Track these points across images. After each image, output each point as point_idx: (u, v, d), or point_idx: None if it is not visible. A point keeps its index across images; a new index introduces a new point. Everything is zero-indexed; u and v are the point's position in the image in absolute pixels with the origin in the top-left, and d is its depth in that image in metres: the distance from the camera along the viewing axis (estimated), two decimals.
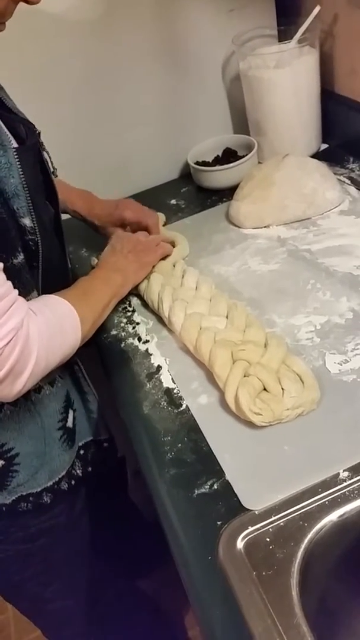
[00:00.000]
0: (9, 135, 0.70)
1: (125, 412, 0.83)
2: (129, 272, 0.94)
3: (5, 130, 0.68)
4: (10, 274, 0.66)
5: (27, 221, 0.71)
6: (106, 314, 0.87)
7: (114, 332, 0.94)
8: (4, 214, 0.67)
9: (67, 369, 0.88)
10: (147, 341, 0.91)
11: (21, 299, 0.66)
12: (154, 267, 1.00)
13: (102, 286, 0.88)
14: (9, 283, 0.65)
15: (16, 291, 0.66)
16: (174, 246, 1.05)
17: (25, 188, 0.70)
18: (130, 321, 0.96)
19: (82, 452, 0.89)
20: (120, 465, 1.13)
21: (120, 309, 0.98)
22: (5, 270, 0.65)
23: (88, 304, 0.80)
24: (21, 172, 0.69)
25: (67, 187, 1.03)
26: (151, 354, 0.88)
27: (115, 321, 0.96)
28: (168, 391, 0.81)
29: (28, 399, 0.79)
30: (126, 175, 1.28)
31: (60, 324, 0.73)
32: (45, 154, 0.81)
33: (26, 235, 0.72)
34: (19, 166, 0.69)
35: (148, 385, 0.83)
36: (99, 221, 1.05)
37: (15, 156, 0.68)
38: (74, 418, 0.87)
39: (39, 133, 0.79)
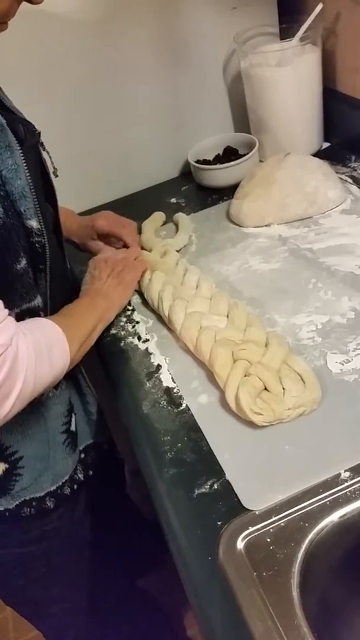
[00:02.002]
0: (13, 136, 0.69)
1: (124, 411, 0.83)
2: (114, 297, 0.92)
3: (10, 131, 0.67)
4: (12, 281, 0.65)
5: (33, 223, 0.70)
6: (93, 338, 0.84)
7: (113, 331, 0.94)
8: (10, 217, 0.66)
9: (69, 371, 0.87)
10: (147, 340, 0.91)
11: (11, 318, 0.64)
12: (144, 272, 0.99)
13: (88, 311, 0.86)
14: (0, 301, 0.63)
15: (6, 311, 0.63)
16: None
17: (32, 189, 0.69)
18: (130, 320, 0.96)
19: (82, 455, 0.89)
20: (118, 467, 1.13)
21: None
22: (8, 276, 0.64)
23: (75, 328, 0.78)
24: (28, 174, 0.68)
25: None
26: (151, 353, 0.88)
27: (115, 320, 0.96)
28: (168, 390, 0.81)
29: (33, 402, 0.78)
30: (127, 173, 1.28)
31: (49, 346, 0.70)
32: (45, 153, 0.81)
33: (32, 238, 0.71)
34: (25, 167, 0.68)
35: (148, 384, 0.83)
36: (77, 237, 1.05)
37: (22, 157, 0.67)
38: (76, 421, 0.87)
39: (39, 133, 0.79)
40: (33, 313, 0.74)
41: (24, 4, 0.67)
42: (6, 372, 0.60)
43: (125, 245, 1.05)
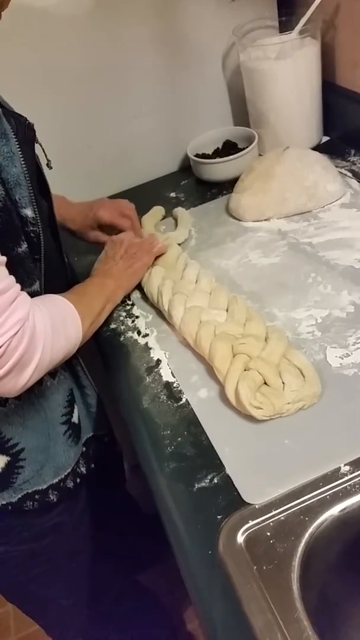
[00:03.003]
0: (8, 124, 0.69)
1: (124, 406, 0.83)
2: (122, 279, 0.94)
3: (5, 120, 0.67)
4: (15, 263, 0.66)
5: (28, 212, 0.70)
6: (102, 318, 0.87)
7: (113, 326, 0.94)
8: (8, 203, 0.66)
9: (67, 363, 0.87)
10: (146, 335, 0.90)
11: (25, 293, 0.66)
12: (156, 259, 0.99)
13: (97, 291, 0.88)
14: (12, 277, 0.64)
15: (19, 286, 0.65)
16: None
17: (27, 178, 0.69)
18: (130, 314, 0.95)
19: (84, 448, 0.89)
20: (118, 460, 1.13)
21: (119, 302, 0.98)
22: (10, 259, 0.65)
23: (86, 306, 0.81)
24: (23, 162, 0.68)
25: None
26: (151, 348, 0.88)
27: (115, 315, 0.96)
28: (168, 385, 0.81)
29: (31, 392, 0.78)
30: (126, 167, 1.28)
31: (63, 319, 0.73)
32: (38, 146, 0.80)
33: (27, 227, 0.71)
34: (20, 156, 0.68)
35: (147, 379, 0.83)
36: (75, 225, 1.04)
37: (17, 145, 0.68)
38: (78, 414, 0.87)
39: (33, 124, 0.78)
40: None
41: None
42: (25, 346, 0.63)
43: None
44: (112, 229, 1.04)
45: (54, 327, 0.70)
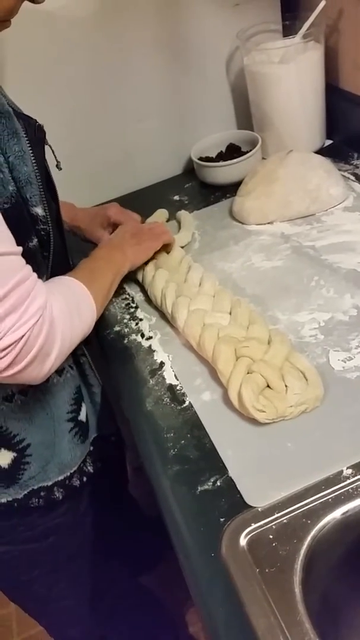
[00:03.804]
0: (19, 124, 0.69)
1: (128, 408, 0.83)
2: (128, 251, 0.94)
3: (16, 119, 0.68)
4: (26, 257, 0.67)
5: (39, 210, 0.71)
6: (111, 293, 0.89)
7: (117, 328, 0.94)
8: (19, 200, 0.67)
9: (75, 360, 0.88)
10: (150, 337, 0.91)
11: (40, 281, 0.67)
12: (155, 255, 1.00)
13: (105, 264, 0.89)
14: (29, 266, 0.65)
15: (35, 274, 0.66)
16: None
17: (38, 177, 0.70)
18: (133, 317, 0.96)
19: (92, 447, 0.90)
20: (121, 461, 1.13)
21: (123, 305, 0.98)
22: (22, 253, 0.65)
23: (96, 284, 0.81)
24: (34, 161, 0.69)
25: None
26: (154, 350, 0.88)
27: (118, 317, 0.96)
28: (171, 388, 0.81)
29: (38, 389, 0.79)
30: (129, 170, 1.28)
31: (77, 302, 0.74)
32: (47, 147, 0.81)
33: (38, 225, 0.72)
34: (31, 155, 0.69)
35: (151, 381, 0.83)
36: (84, 224, 1.06)
37: (28, 145, 0.68)
38: (86, 412, 0.87)
39: (42, 126, 0.79)
40: None
41: (26, 3, 0.67)
42: (46, 333, 0.65)
43: None
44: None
45: (70, 311, 0.71)
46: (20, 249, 0.64)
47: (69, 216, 1.04)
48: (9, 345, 0.61)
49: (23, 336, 0.62)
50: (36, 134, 0.72)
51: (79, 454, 0.86)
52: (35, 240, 0.71)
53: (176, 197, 1.24)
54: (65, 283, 0.76)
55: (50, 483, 0.83)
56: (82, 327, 0.75)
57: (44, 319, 0.64)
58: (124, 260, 0.93)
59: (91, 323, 0.78)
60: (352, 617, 0.68)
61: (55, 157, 0.84)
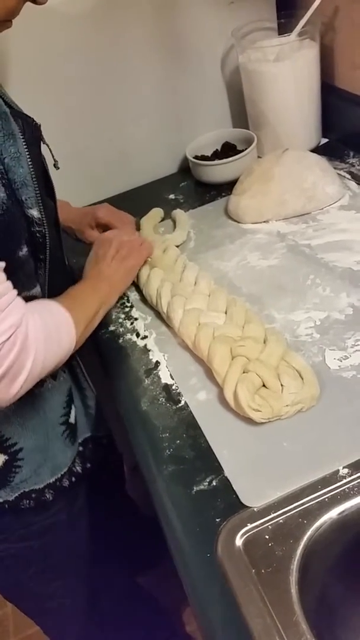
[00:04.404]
0: (16, 125, 0.69)
1: (123, 408, 0.83)
2: (115, 281, 0.92)
3: (13, 120, 0.67)
4: (14, 267, 0.66)
5: (34, 212, 0.70)
6: (96, 322, 0.85)
7: (112, 328, 0.94)
8: (12, 204, 0.66)
9: (67, 365, 0.87)
10: (145, 337, 0.90)
11: (20, 298, 0.65)
12: (146, 262, 0.99)
13: (90, 294, 0.86)
14: (9, 282, 0.63)
15: (15, 291, 0.64)
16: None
17: (34, 178, 0.69)
18: (129, 317, 0.95)
19: (81, 448, 0.89)
20: (117, 462, 1.13)
21: (118, 304, 0.98)
22: (10, 262, 0.64)
23: (79, 311, 0.79)
24: (30, 162, 0.68)
25: None
26: (149, 350, 0.88)
27: (114, 317, 0.96)
28: (166, 387, 0.81)
29: (32, 393, 0.78)
30: (125, 169, 1.28)
31: (56, 326, 0.71)
32: (45, 146, 0.81)
33: (33, 227, 0.71)
34: (27, 156, 0.68)
35: (146, 381, 0.83)
36: (75, 224, 1.06)
37: (25, 146, 0.68)
38: (75, 414, 0.87)
39: (39, 125, 0.79)
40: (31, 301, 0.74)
41: (27, 4, 0.67)
42: (17, 352, 0.62)
43: None
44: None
45: (47, 334, 0.68)
46: (2, 264, 0.62)
47: (62, 215, 1.03)
48: None
49: None
50: (33, 134, 0.72)
51: (69, 455, 0.86)
52: (25, 249, 0.69)
53: (171, 196, 1.24)
54: (48, 306, 0.73)
55: (42, 485, 0.82)
56: (60, 351, 0.71)
57: (17, 337, 0.61)
58: (111, 291, 0.90)
59: (69, 350, 0.73)
60: (348, 617, 0.68)
61: (53, 157, 0.83)
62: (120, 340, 0.91)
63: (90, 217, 1.05)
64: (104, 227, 1.05)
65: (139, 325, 0.93)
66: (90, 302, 0.84)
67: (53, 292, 0.80)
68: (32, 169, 0.69)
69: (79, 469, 0.88)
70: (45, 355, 0.67)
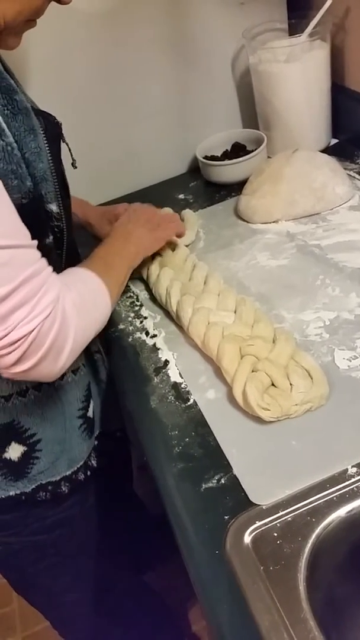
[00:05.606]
0: (37, 120, 0.70)
1: (132, 406, 0.83)
2: (143, 244, 0.93)
3: (34, 115, 0.68)
4: (42, 254, 0.67)
5: (53, 207, 0.71)
6: (124, 286, 0.87)
7: (121, 326, 0.94)
8: (36, 196, 0.67)
9: (88, 356, 0.88)
10: (154, 335, 0.91)
11: (55, 274, 0.66)
12: (160, 252, 1.00)
13: (119, 259, 0.87)
14: (44, 260, 0.64)
15: (50, 267, 0.65)
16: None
17: (54, 173, 0.70)
18: (138, 315, 0.96)
19: (96, 442, 0.90)
20: (127, 457, 1.14)
21: (128, 303, 0.98)
22: (38, 249, 0.65)
23: (111, 275, 0.80)
24: (50, 158, 0.69)
25: None
26: (159, 349, 0.88)
27: (123, 315, 0.96)
28: (175, 386, 0.81)
29: (52, 385, 0.79)
30: (135, 169, 1.28)
31: (92, 295, 0.73)
32: (64, 145, 0.82)
33: (52, 221, 0.72)
34: (48, 151, 0.69)
35: (155, 379, 0.83)
36: (95, 220, 1.07)
37: (45, 141, 0.68)
38: (93, 408, 0.88)
39: (61, 124, 0.79)
40: None
41: (51, 3, 0.68)
42: (58, 327, 0.63)
43: None
44: None
45: (85, 305, 0.69)
46: (35, 242, 0.63)
47: (81, 211, 1.05)
48: (19, 339, 0.60)
49: (33, 330, 0.60)
50: (54, 131, 0.72)
51: (86, 448, 0.87)
52: (50, 238, 0.71)
53: (181, 196, 1.24)
54: (82, 276, 0.75)
55: (58, 478, 0.84)
56: (97, 322, 0.73)
57: (56, 313, 0.63)
58: (137, 253, 0.92)
59: (106, 318, 0.76)
60: (356, 615, 0.68)
61: (72, 156, 0.84)
62: (130, 339, 0.92)
63: (110, 215, 1.06)
64: None
65: (149, 324, 0.93)
66: (119, 266, 0.85)
67: None
68: (52, 164, 0.69)
69: (94, 462, 0.89)
70: (85, 327, 0.69)
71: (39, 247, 0.64)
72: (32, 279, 0.60)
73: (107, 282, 0.77)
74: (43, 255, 0.65)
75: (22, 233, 0.61)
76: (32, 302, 0.60)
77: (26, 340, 0.60)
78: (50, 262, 0.67)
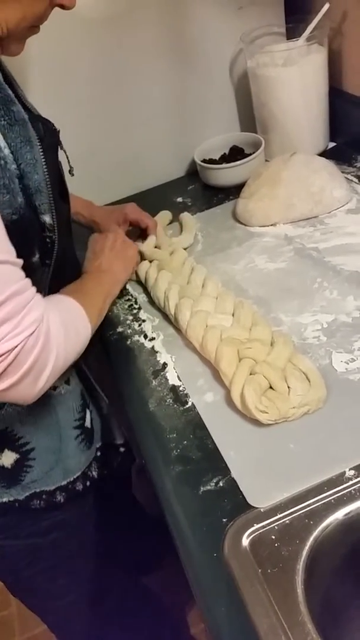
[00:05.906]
0: (34, 131, 0.70)
1: (130, 409, 0.83)
2: (117, 271, 0.94)
3: (31, 127, 0.68)
4: (27, 273, 0.67)
5: (47, 218, 0.71)
6: (103, 314, 0.86)
7: (120, 329, 0.95)
8: (27, 210, 0.67)
9: (78, 371, 0.88)
10: (153, 338, 0.91)
11: (39, 295, 0.66)
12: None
13: (95, 287, 0.87)
14: (28, 279, 0.64)
15: (34, 288, 0.65)
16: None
17: (49, 185, 0.70)
18: (136, 318, 0.96)
19: (99, 453, 0.90)
20: (128, 469, 1.14)
21: (126, 306, 0.99)
22: (22, 267, 0.65)
23: (89, 304, 0.79)
24: (45, 169, 0.69)
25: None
26: (157, 352, 0.88)
27: (121, 318, 0.96)
28: (174, 388, 0.81)
29: (45, 396, 0.79)
30: (133, 172, 1.29)
31: (73, 320, 0.73)
32: (62, 152, 0.82)
33: (44, 232, 0.72)
34: (44, 162, 0.69)
35: (154, 382, 0.83)
36: (101, 220, 1.07)
37: (41, 152, 0.68)
38: (91, 419, 0.88)
39: (58, 131, 0.79)
40: None
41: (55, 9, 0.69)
42: (40, 347, 0.62)
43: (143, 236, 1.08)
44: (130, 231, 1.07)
45: (66, 328, 0.69)
46: (20, 261, 0.63)
47: (87, 211, 1.06)
48: (1, 355, 0.59)
49: (17, 346, 0.60)
50: (52, 139, 0.72)
51: (84, 459, 0.86)
52: (37, 256, 0.71)
53: (179, 199, 1.24)
54: (62, 300, 0.75)
55: (53, 487, 0.83)
56: (78, 345, 0.72)
57: (40, 332, 0.62)
58: (113, 282, 0.92)
59: (85, 342, 0.75)
60: (354, 618, 0.69)
61: (69, 163, 0.84)
62: (128, 342, 0.92)
63: (119, 214, 1.06)
64: (132, 224, 1.08)
65: (147, 327, 0.93)
66: (97, 295, 0.85)
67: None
68: (47, 176, 0.69)
69: (95, 474, 0.88)
70: (66, 349, 0.68)
71: (25, 266, 0.64)
72: (17, 296, 0.60)
73: (87, 309, 0.76)
74: (28, 274, 0.65)
75: (7, 250, 0.61)
76: (17, 318, 0.60)
77: (8, 356, 0.59)
78: (35, 281, 0.67)
